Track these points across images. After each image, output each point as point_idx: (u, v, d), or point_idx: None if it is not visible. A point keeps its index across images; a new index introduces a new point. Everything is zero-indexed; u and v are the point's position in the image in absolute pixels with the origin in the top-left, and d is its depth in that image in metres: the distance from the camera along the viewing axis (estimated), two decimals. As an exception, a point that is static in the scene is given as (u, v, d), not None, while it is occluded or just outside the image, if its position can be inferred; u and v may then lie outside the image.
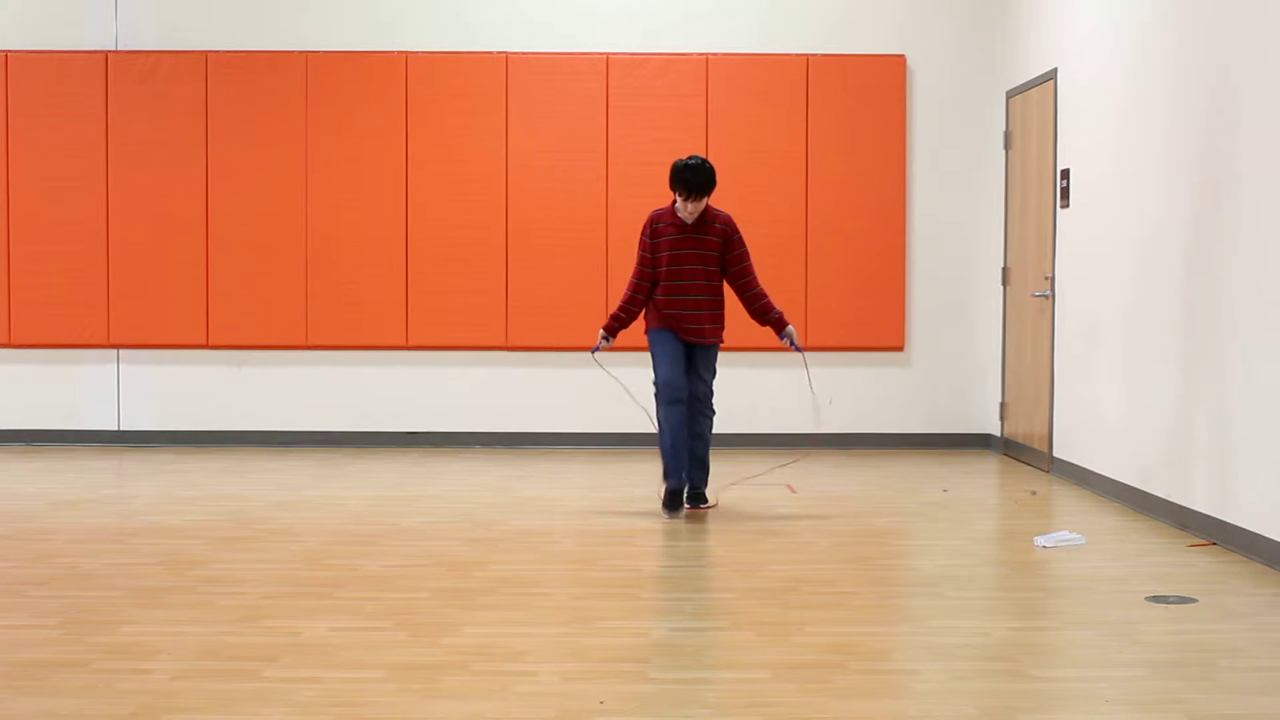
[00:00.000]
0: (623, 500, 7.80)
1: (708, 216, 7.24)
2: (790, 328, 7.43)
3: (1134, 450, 7.54)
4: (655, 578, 5.98)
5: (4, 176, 10.17)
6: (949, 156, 10.24)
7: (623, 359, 10.14)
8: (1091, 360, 8.19)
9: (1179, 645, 4.79)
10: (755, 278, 7.36)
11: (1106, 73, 8.01)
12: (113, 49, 10.20)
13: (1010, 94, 9.74)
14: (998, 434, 10.06)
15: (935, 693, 4.27)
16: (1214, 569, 6.02)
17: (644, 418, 9.92)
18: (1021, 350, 9.54)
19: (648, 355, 7.42)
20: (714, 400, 7.44)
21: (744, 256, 7.30)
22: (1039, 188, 9.14)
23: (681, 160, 7.17)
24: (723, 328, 7.38)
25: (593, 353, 7.62)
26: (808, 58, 10.12)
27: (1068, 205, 8.57)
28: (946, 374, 10.28)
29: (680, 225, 7.22)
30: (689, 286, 7.19)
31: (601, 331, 7.44)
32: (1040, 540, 6.56)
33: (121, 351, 10.29)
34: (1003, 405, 9.97)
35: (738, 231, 7.30)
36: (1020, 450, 9.56)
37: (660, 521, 7.14)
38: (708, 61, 10.12)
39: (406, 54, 10.13)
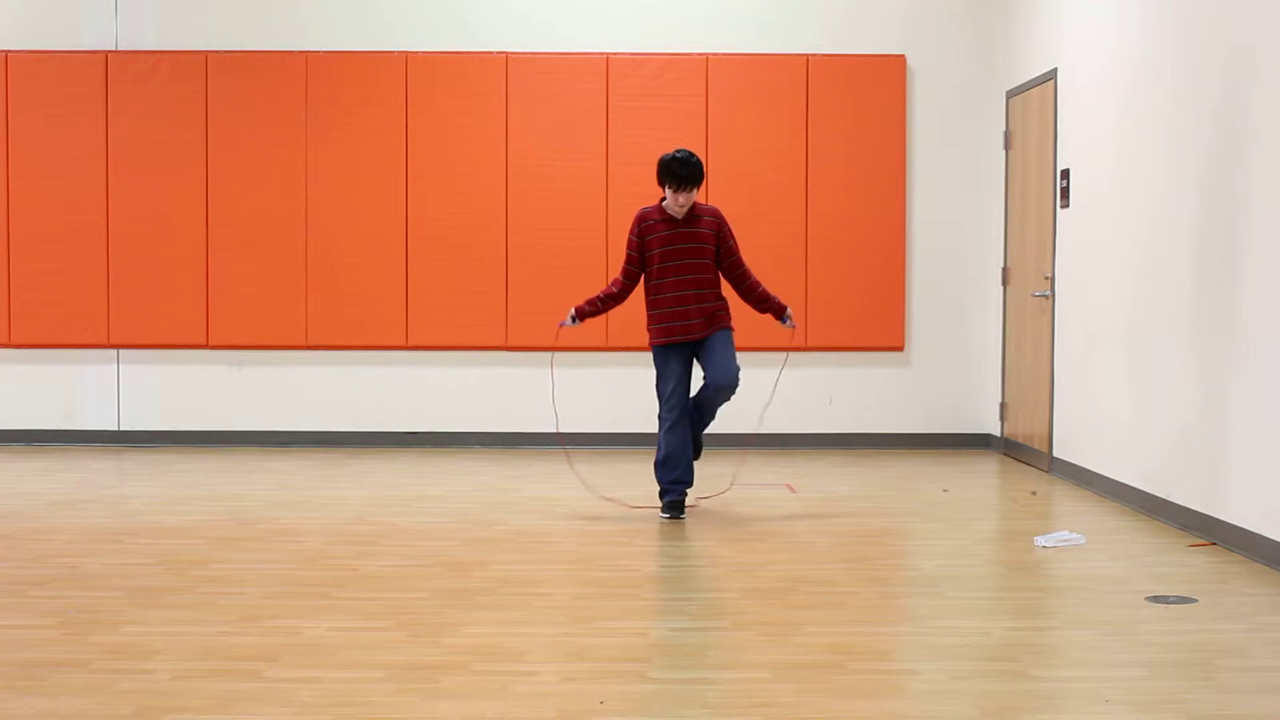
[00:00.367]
0: (623, 500, 7.79)
1: (696, 211, 7.19)
2: (789, 310, 7.44)
3: (1134, 450, 7.54)
4: (655, 578, 5.98)
5: (4, 176, 10.17)
6: (949, 156, 10.24)
7: (627, 359, 10.15)
8: (1091, 360, 8.19)
9: (1179, 645, 4.79)
10: (748, 268, 7.34)
11: (1106, 73, 8.01)
12: (113, 49, 10.20)
13: (1010, 94, 9.74)
14: (998, 434, 10.06)
15: (935, 693, 4.27)
16: (1214, 569, 6.02)
17: (644, 419, 9.93)
18: (1021, 350, 9.54)
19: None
20: (738, 373, 7.21)
21: (736, 249, 7.27)
22: (1039, 188, 9.14)
23: (669, 154, 7.12)
24: (728, 314, 7.25)
25: (560, 325, 7.51)
26: (808, 58, 10.13)
27: (1068, 205, 8.57)
28: (946, 374, 10.29)
29: (670, 221, 7.16)
30: (684, 281, 7.12)
31: (573, 311, 7.37)
32: (1040, 540, 6.56)
33: (121, 351, 10.29)
34: (1003, 405, 9.97)
35: (727, 224, 7.27)
36: (1020, 450, 9.56)
37: (659, 521, 7.14)
38: (708, 61, 10.12)
39: (406, 54, 10.13)
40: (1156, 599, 5.43)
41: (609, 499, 7.66)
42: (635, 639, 4.90)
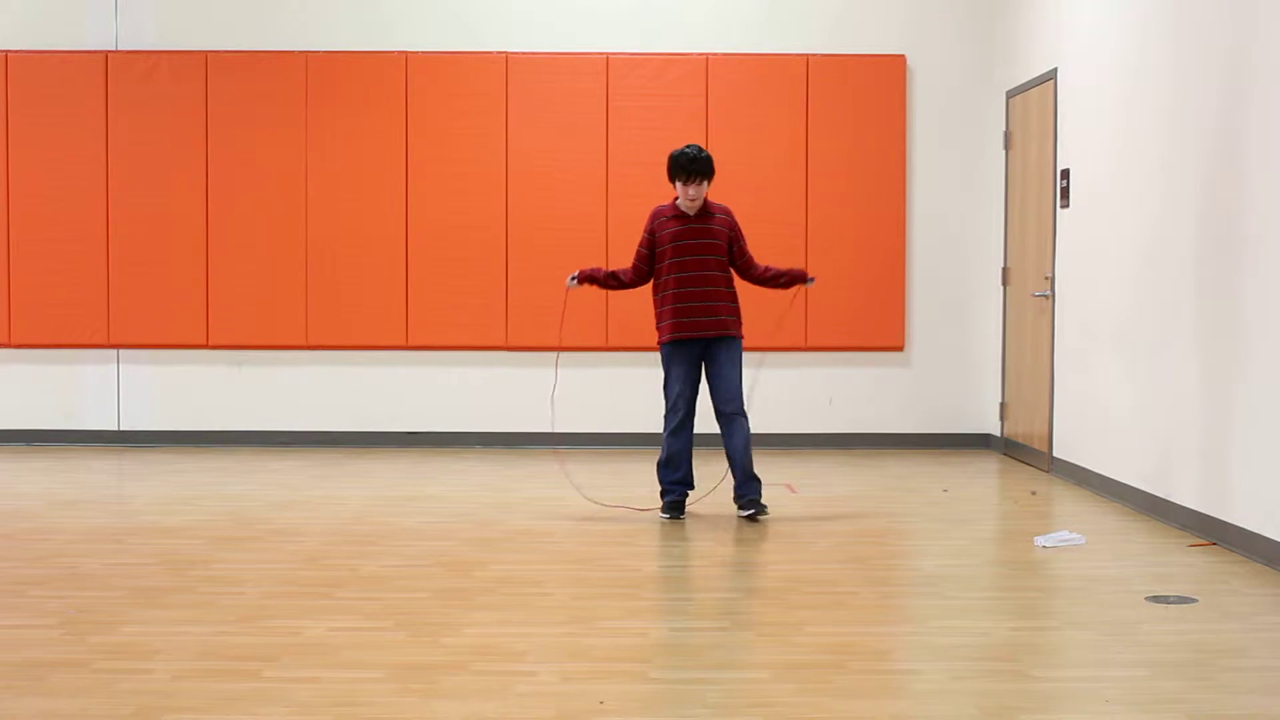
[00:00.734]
0: (623, 500, 7.79)
1: (709, 208, 7.23)
2: (805, 275, 7.46)
3: (1134, 450, 7.54)
4: (655, 578, 5.98)
5: (4, 176, 10.17)
6: (949, 156, 10.24)
7: (627, 359, 10.15)
8: (1091, 360, 8.19)
9: (1179, 645, 4.79)
10: (753, 258, 7.38)
11: (1106, 73, 8.01)
12: (113, 49, 10.20)
13: (1010, 94, 9.74)
14: (998, 434, 10.06)
15: (935, 693, 4.27)
16: (1214, 569, 6.02)
17: (644, 418, 9.93)
18: (1021, 350, 9.54)
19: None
20: (745, 404, 7.28)
21: (746, 248, 7.36)
22: (1039, 188, 9.14)
23: (678, 149, 7.20)
24: (739, 321, 7.27)
25: (567, 283, 7.50)
26: (808, 58, 10.13)
27: (1068, 205, 8.57)
28: (946, 374, 10.28)
29: (683, 217, 7.21)
30: (695, 277, 7.14)
31: (577, 273, 7.43)
32: (1040, 540, 6.55)
33: (121, 351, 10.28)
34: (1003, 405, 9.97)
35: (737, 223, 7.33)
36: (1020, 450, 9.56)
37: (660, 521, 7.14)
38: (708, 61, 10.12)
39: (406, 54, 10.13)
40: (1156, 599, 5.43)
41: (607, 505, 7.65)
42: (635, 639, 4.90)
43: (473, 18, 10.22)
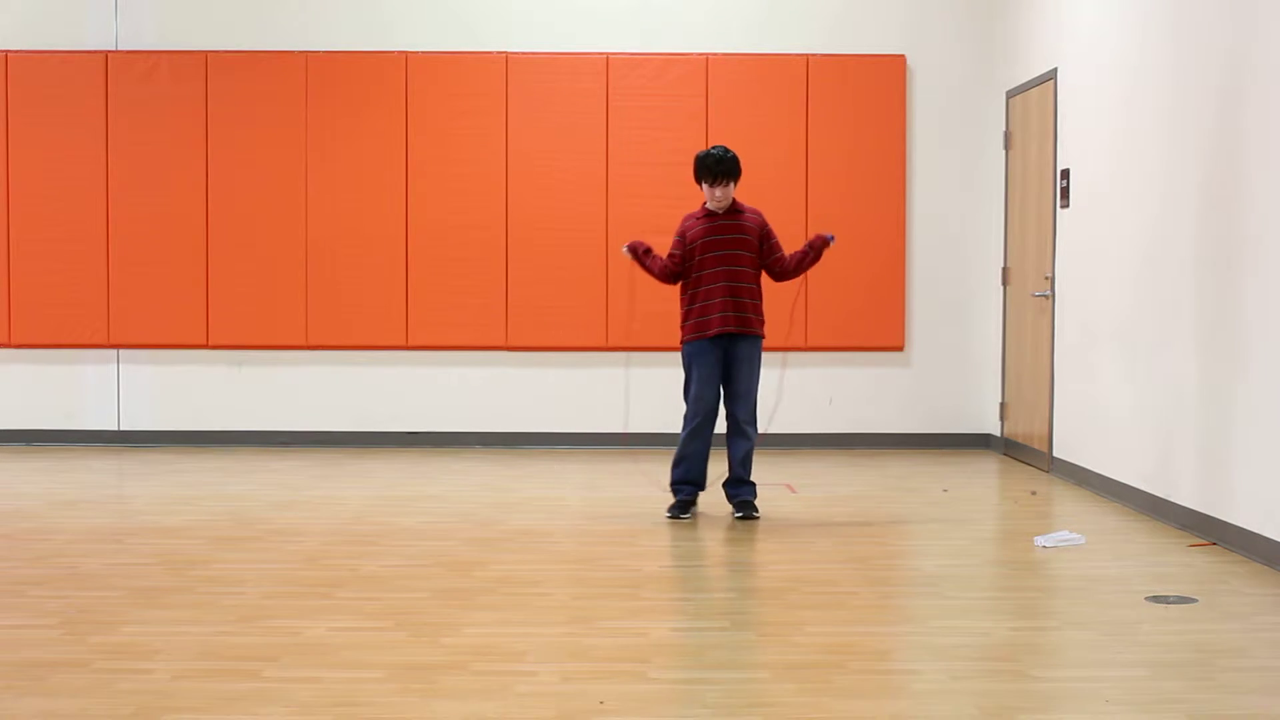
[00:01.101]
0: (623, 500, 7.80)
1: (737, 206, 7.25)
2: (823, 241, 7.37)
3: (1134, 450, 7.54)
4: (655, 578, 5.98)
5: (4, 176, 10.17)
6: (949, 156, 10.24)
7: (628, 359, 10.15)
8: (1091, 360, 8.19)
9: (1179, 645, 4.79)
10: (784, 256, 7.35)
11: (1106, 73, 8.01)
12: (113, 49, 10.20)
13: (1010, 94, 9.74)
14: (998, 434, 10.06)
15: (935, 693, 4.27)
16: (1214, 569, 6.02)
17: (644, 419, 9.93)
18: (1021, 350, 9.54)
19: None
20: (755, 415, 7.28)
21: (779, 245, 7.32)
22: (1039, 188, 9.14)
23: (704, 150, 7.24)
24: (762, 320, 7.26)
25: (624, 251, 7.43)
26: (808, 58, 10.13)
27: (1068, 205, 8.57)
28: (946, 374, 10.28)
29: (711, 215, 7.22)
30: (719, 274, 7.13)
31: (634, 243, 7.37)
32: (1040, 540, 6.55)
33: (121, 351, 10.28)
34: (1003, 405, 9.97)
35: (768, 224, 7.32)
36: (1020, 450, 9.56)
37: (660, 522, 7.14)
38: (708, 61, 10.12)
39: (406, 54, 10.13)
40: (1156, 599, 5.43)
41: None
42: (635, 639, 4.90)
43: (473, 18, 10.22)
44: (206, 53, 10.14)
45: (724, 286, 7.13)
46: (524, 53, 10.15)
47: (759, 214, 7.34)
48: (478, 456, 9.78)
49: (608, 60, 10.12)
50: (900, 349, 10.23)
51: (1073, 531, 6.72)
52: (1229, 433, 6.42)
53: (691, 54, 10.13)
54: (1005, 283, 9.89)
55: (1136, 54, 7.58)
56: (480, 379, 10.25)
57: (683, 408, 7.33)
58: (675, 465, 7.30)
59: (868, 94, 10.12)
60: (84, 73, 10.13)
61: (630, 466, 9.07)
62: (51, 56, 10.16)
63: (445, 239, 10.12)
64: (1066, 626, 5.14)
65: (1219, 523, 6.49)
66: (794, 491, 8.15)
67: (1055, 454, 8.83)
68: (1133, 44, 7.64)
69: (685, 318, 7.26)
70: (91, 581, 5.74)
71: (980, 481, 8.78)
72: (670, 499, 7.34)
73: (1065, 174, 8.60)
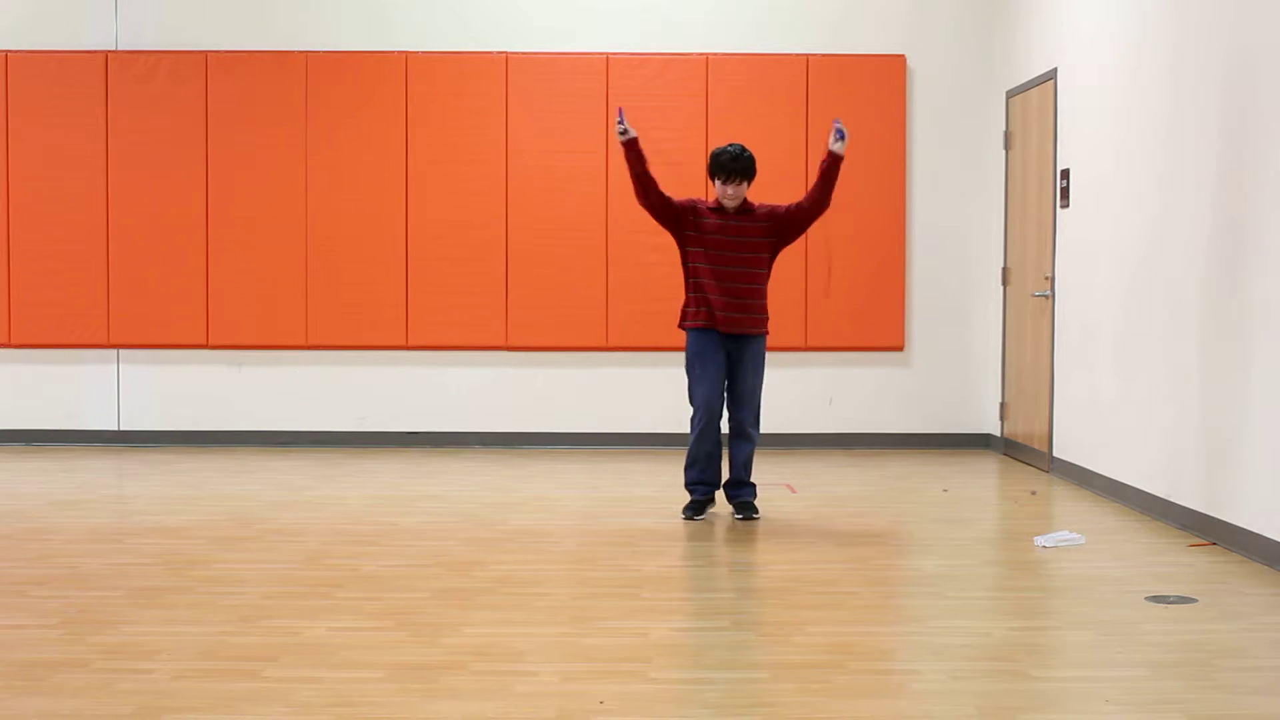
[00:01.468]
0: (623, 500, 7.80)
1: (748, 206, 7.18)
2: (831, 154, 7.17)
3: (1134, 450, 7.54)
4: (655, 578, 5.97)
5: (4, 176, 10.17)
6: (949, 156, 10.24)
7: (628, 359, 10.14)
8: (1091, 360, 8.19)
9: (1179, 645, 4.79)
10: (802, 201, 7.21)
11: (1106, 73, 8.01)
12: (113, 49, 10.20)
13: (1010, 94, 9.74)
14: (998, 434, 10.06)
15: (935, 693, 4.27)
16: (1214, 569, 6.02)
17: (645, 419, 9.93)
18: (1021, 350, 9.54)
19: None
20: (759, 417, 7.25)
21: (793, 206, 7.16)
22: (1039, 188, 9.14)
23: (719, 147, 7.17)
24: (766, 318, 7.22)
25: (619, 131, 7.17)
26: (808, 58, 10.13)
27: (1068, 205, 8.57)
28: (946, 374, 10.28)
29: (723, 211, 7.14)
30: (727, 273, 7.09)
31: (628, 129, 7.12)
32: (1040, 540, 6.55)
33: (121, 351, 10.29)
34: (1002, 405, 9.97)
35: (779, 205, 7.20)
36: (1020, 450, 9.56)
37: (660, 521, 7.14)
38: (708, 61, 10.12)
39: (406, 54, 10.13)
40: (1156, 599, 5.42)
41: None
42: (635, 639, 4.90)
43: (473, 18, 10.22)
44: (206, 53, 10.14)
45: (733, 288, 7.10)
46: (524, 53, 10.15)
47: (768, 207, 7.20)
48: (478, 456, 9.78)
49: (608, 60, 10.12)
50: (900, 349, 10.23)
51: (1073, 531, 6.72)
52: (1229, 433, 6.41)
53: (691, 54, 10.14)
54: (1005, 283, 9.89)
55: (1137, 54, 7.58)
56: (480, 379, 10.25)
57: (687, 410, 7.33)
58: (688, 468, 7.28)
59: (868, 94, 10.12)
60: (84, 73, 10.13)
61: (630, 466, 9.07)
62: (51, 56, 10.16)
63: (445, 239, 10.12)
64: (1066, 626, 5.14)
65: (1219, 523, 6.49)
66: (794, 491, 8.15)
67: (1055, 454, 8.83)
68: (1133, 44, 7.64)
69: (687, 304, 7.20)
70: (91, 581, 5.74)
71: (980, 481, 8.78)
72: (686, 498, 7.34)
73: (1065, 174, 8.60)
